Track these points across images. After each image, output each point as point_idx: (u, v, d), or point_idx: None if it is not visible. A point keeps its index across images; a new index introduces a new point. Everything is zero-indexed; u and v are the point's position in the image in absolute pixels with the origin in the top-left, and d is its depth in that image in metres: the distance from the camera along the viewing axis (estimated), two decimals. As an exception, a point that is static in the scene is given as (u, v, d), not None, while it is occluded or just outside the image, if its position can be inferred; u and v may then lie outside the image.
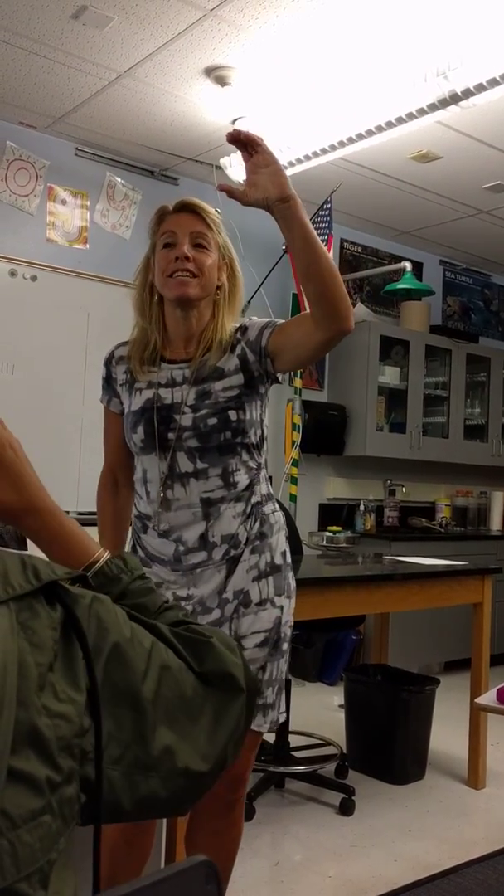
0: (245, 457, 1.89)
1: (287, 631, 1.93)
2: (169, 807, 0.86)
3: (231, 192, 1.66)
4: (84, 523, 4.02)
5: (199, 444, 1.84)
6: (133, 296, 1.98)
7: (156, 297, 1.94)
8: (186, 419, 1.85)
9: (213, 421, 1.84)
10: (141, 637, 0.86)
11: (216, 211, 1.95)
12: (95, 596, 0.85)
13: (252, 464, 1.91)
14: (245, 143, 1.66)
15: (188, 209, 1.90)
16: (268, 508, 1.95)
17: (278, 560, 1.93)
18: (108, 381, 2.02)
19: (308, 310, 1.76)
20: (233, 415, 1.85)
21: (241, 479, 1.88)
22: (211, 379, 1.88)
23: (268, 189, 1.64)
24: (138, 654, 0.84)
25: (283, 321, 1.92)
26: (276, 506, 2.00)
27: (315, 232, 1.71)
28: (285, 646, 1.93)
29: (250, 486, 1.90)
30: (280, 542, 1.95)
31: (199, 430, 1.84)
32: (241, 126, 4.07)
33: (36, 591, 0.78)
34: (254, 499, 1.91)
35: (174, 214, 1.90)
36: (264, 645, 1.86)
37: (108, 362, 2.02)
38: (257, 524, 1.91)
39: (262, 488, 1.95)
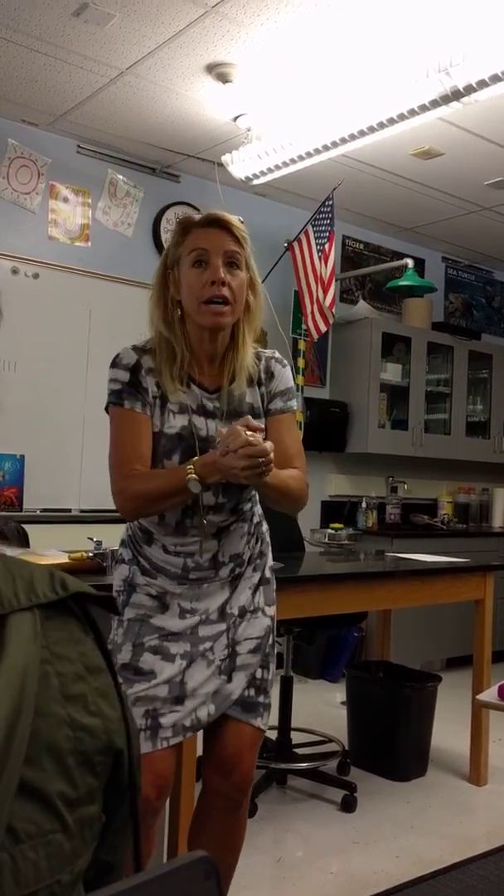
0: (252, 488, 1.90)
1: (272, 639, 1.99)
2: None
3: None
4: (85, 521, 4.04)
5: (225, 481, 1.77)
6: (151, 307, 1.87)
7: (179, 313, 1.85)
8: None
9: None
10: None
11: (240, 220, 1.86)
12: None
13: (253, 490, 1.94)
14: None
15: (219, 225, 1.80)
16: (264, 528, 2.03)
17: (268, 573, 2.01)
18: (137, 388, 1.83)
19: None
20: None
21: (246, 505, 1.94)
22: (237, 415, 1.83)
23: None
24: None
25: (287, 415, 1.93)
26: (267, 525, 2.06)
27: (277, 482, 1.77)
28: (274, 653, 2.00)
29: (251, 508, 1.97)
30: (270, 556, 2.04)
31: None
32: (242, 123, 4.07)
33: (62, 604, 0.76)
34: (255, 519, 1.98)
35: (203, 229, 1.80)
36: (257, 651, 1.92)
37: (136, 370, 1.83)
38: (259, 544, 1.99)
39: (258, 509, 2.01)
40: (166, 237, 4.71)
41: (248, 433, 1.64)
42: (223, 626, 1.88)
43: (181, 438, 1.82)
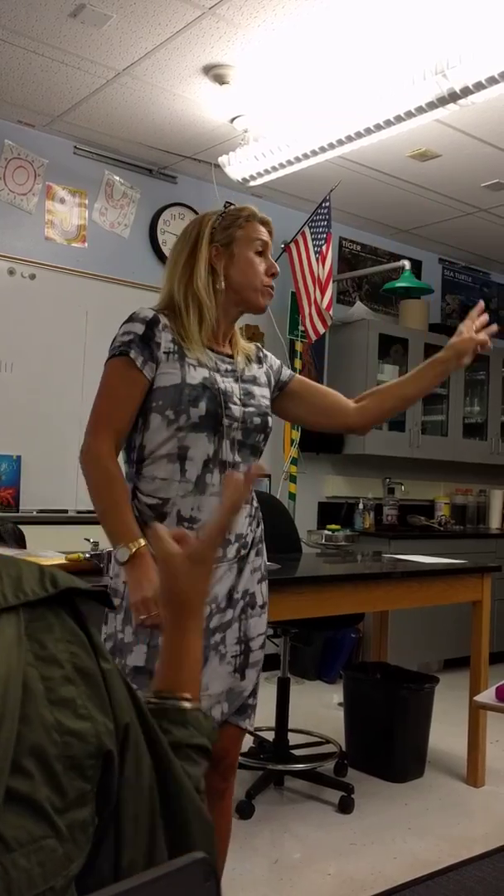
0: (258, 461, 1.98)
1: None
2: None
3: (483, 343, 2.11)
4: (84, 522, 4.02)
5: (241, 438, 1.90)
6: (185, 271, 1.92)
7: (222, 284, 1.93)
8: (237, 410, 1.89)
9: (257, 420, 1.93)
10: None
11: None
12: None
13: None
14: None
15: (269, 228, 2.01)
16: (260, 514, 2.04)
17: (267, 564, 2.06)
18: (148, 343, 1.84)
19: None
20: (269, 421, 1.98)
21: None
22: (250, 382, 1.97)
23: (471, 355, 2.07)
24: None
25: (301, 376, 2.15)
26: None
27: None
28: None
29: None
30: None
31: (245, 426, 1.90)
32: (240, 124, 4.07)
33: (52, 602, 0.75)
34: (254, 503, 1.99)
35: (263, 226, 1.99)
36: (263, 648, 1.97)
37: (153, 324, 1.85)
38: (259, 528, 2.00)
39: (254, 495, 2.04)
40: (163, 238, 4.71)
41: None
42: (231, 614, 1.88)
43: (205, 388, 1.85)
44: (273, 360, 2.09)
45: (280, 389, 2.06)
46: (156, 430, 1.84)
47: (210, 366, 1.88)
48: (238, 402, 1.89)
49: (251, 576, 1.93)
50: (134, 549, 1.75)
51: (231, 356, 1.97)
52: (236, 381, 1.93)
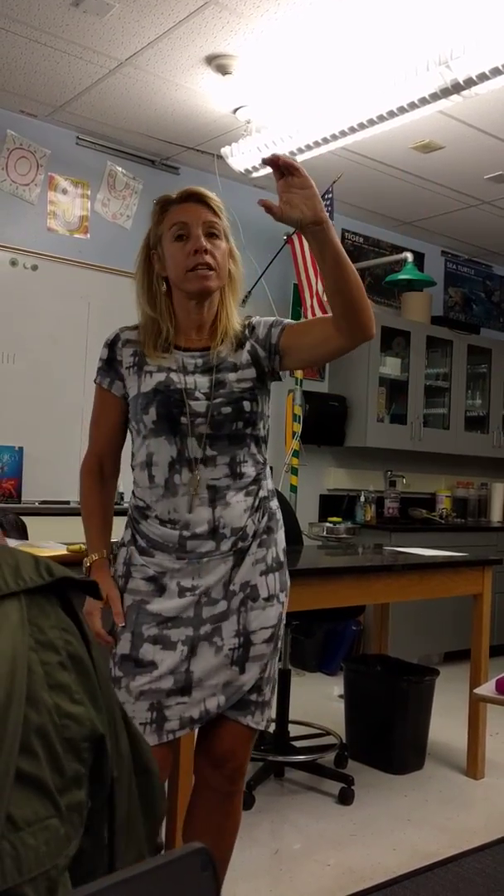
0: (253, 449, 1.92)
1: (282, 628, 1.97)
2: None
3: (269, 207, 1.69)
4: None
5: (210, 432, 1.85)
6: (136, 287, 1.95)
7: (164, 288, 1.92)
8: (200, 405, 1.85)
9: (227, 410, 1.86)
10: None
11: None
12: None
13: (259, 458, 1.94)
14: (282, 167, 1.69)
15: (195, 198, 1.89)
16: (273, 504, 1.98)
17: (282, 556, 1.97)
18: (111, 363, 1.95)
19: (320, 313, 1.83)
20: (246, 405, 1.88)
21: (248, 470, 1.90)
22: (225, 370, 1.89)
23: (303, 210, 1.68)
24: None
25: (292, 321, 1.97)
26: (278, 503, 2.03)
27: (344, 251, 1.76)
28: (280, 643, 1.97)
29: (257, 480, 1.92)
30: (282, 538, 1.99)
31: (213, 418, 1.85)
32: (242, 115, 4.06)
33: (47, 590, 0.77)
34: (261, 493, 1.93)
35: (181, 204, 1.89)
36: (270, 641, 1.90)
37: (113, 344, 1.96)
38: (265, 518, 1.93)
39: (269, 484, 1.98)
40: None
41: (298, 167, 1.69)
42: (225, 605, 1.84)
43: (157, 393, 1.87)
44: (261, 330, 1.95)
45: (276, 353, 1.92)
46: (133, 440, 1.97)
47: (174, 367, 1.88)
48: (202, 396, 1.85)
49: (253, 567, 1.88)
50: (88, 563, 1.96)
51: (207, 349, 1.91)
52: (206, 373, 1.88)
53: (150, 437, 1.88)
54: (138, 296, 1.95)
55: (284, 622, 1.97)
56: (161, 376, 1.88)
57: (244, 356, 1.92)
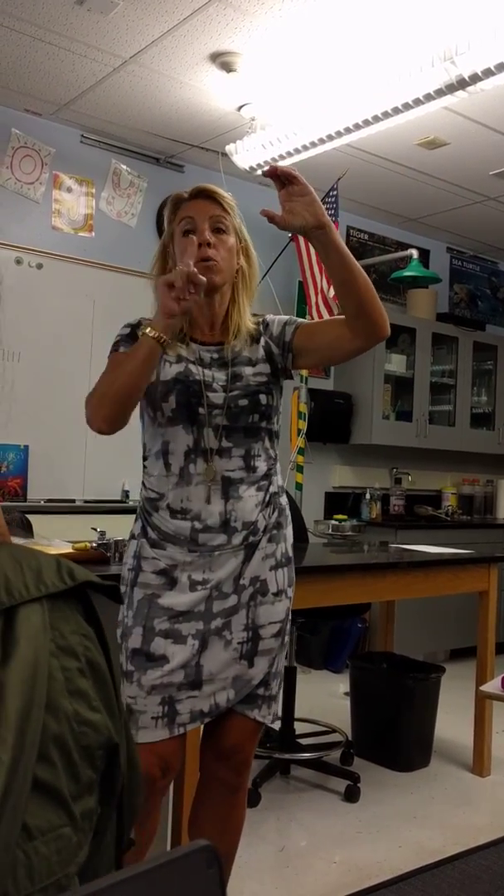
0: (267, 443, 1.93)
1: (289, 623, 1.98)
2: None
3: (272, 217, 1.73)
4: (91, 511, 4.02)
5: (227, 423, 1.86)
6: (153, 284, 1.94)
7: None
8: (217, 397, 1.87)
9: (244, 402, 1.87)
10: None
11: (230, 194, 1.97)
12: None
13: (272, 452, 1.95)
14: (281, 177, 1.75)
15: (204, 195, 1.92)
16: (283, 500, 2.00)
17: (290, 552, 1.99)
18: (134, 338, 1.89)
19: (325, 311, 1.81)
20: (262, 399, 1.90)
21: (261, 465, 1.91)
22: (241, 364, 1.92)
23: (305, 217, 1.74)
24: None
25: (306, 321, 1.98)
26: (287, 500, 2.04)
27: (349, 253, 1.79)
28: (287, 638, 1.98)
29: (268, 476, 1.93)
30: (291, 534, 2.01)
31: (230, 410, 1.87)
32: (247, 112, 4.06)
33: (68, 595, 0.76)
34: (272, 488, 1.94)
35: (191, 201, 1.92)
36: (278, 636, 1.91)
37: (136, 326, 1.93)
38: (275, 513, 1.94)
39: (279, 479, 1.99)
40: (170, 227, 4.70)
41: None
42: (235, 600, 1.85)
43: (177, 381, 1.87)
44: (275, 328, 1.96)
45: (290, 351, 1.94)
46: (147, 429, 1.95)
47: (191, 359, 1.90)
48: (220, 388, 1.87)
49: (262, 562, 1.89)
50: (143, 331, 1.75)
51: (221, 343, 1.93)
52: (223, 367, 1.90)
53: (166, 426, 1.88)
54: (154, 292, 1.92)
55: (290, 618, 1.98)
56: (181, 367, 1.89)
57: (259, 351, 1.94)
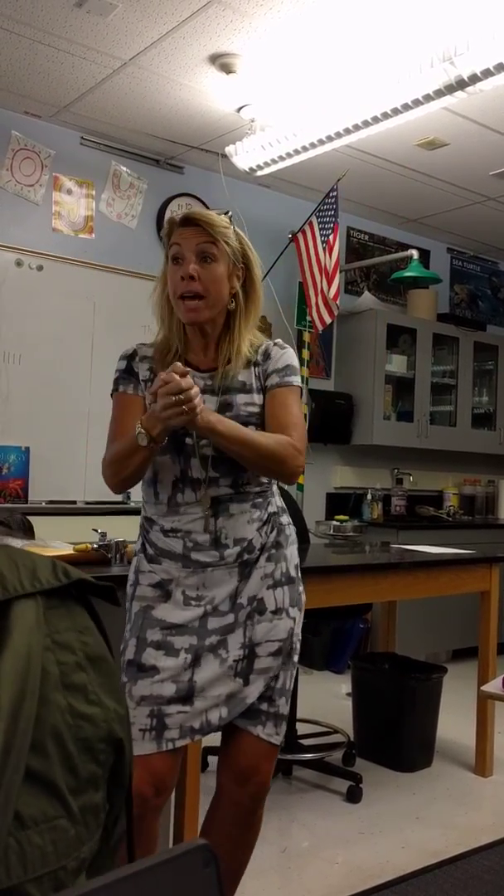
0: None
1: (297, 643, 1.95)
2: None
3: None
4: (92, 513, 4.04)
5: (215, 454, 1.83)
6: (153, 304, 1.97)
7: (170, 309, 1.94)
8: None
9: None
10: None
11: (225, 215, 1.90)
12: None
13: (262, 479, 1.92)
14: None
15: (191, 222, 1.86)
16: (284, 519, 1.99)
17: (293, 572, 1.96)
18: (131, 373, 1.96)
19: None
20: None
21: (252, 488, 1.91)
22: (234, 391, 1.89)
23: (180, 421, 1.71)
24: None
25: (282, 391, 1.91)
26: (290, 520, 2.02)
27: (235, 433, 1.77)
28: (296, 657, 1.95)
29: (263, 495, 1.92)
30: (294, 554, 1.99)
31: None
32: (246, 114, 4.06)
33: (64, 592, 0.77)
34: (270, 508, 1.94)
35: (180, 228, 1.87)
36: (278, 654, 1.88)
37: (131, 357, 1.97)
38: (273, 532, 1.93)
39: (277, 501, 1.98)
40: (170, 229, 4.70)
41: (167, 375, 1.68)
42: (232, 618, 1.84)
43: None
44: (271, 364, 1.93)
45: (264, 394, 1.92)
46: None
47: None
48: None
49: (260, 581, 1.88)
50: (139, 426, 1.76)
51: (214, 369, 1.90)
52: (214, 394, 1.88)
53: (156, 455, 1.86)
54: (153, 313, 1.97)
55: (300, 638, 1.94)
56: None
57: (253, 378, 1.92)
